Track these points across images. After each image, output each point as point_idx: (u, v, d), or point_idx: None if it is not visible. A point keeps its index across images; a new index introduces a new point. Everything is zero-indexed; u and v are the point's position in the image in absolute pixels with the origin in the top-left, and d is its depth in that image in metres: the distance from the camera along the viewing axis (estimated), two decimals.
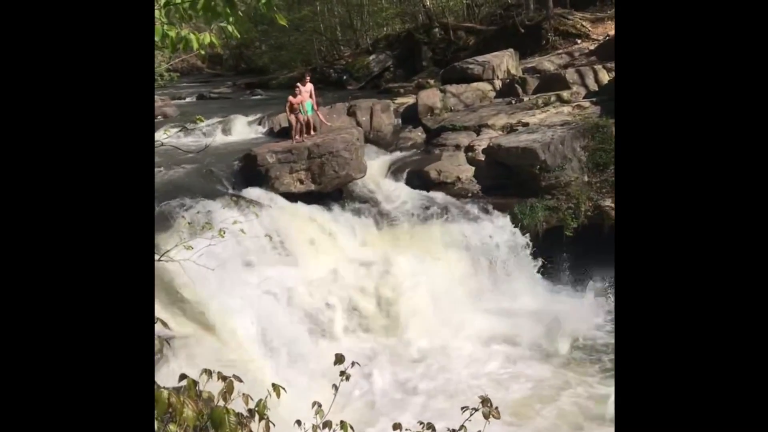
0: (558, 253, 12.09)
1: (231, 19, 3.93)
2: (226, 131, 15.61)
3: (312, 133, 13.00)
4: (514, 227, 12.05)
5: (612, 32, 19.23)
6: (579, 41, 20.45)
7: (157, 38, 3.50)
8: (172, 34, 3.86)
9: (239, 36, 4.55)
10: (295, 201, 11.69)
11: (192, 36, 3.84)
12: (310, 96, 13.08)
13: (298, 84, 13.27)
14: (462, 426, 3.20)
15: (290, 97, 12.76)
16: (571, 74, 16.54)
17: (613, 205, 11.77)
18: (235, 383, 2.81)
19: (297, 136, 12.64)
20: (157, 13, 3.95)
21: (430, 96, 16.61)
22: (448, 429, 3.17)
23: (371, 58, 26.59)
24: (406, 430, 3.26)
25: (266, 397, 2.77)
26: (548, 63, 19.11)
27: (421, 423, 3.25)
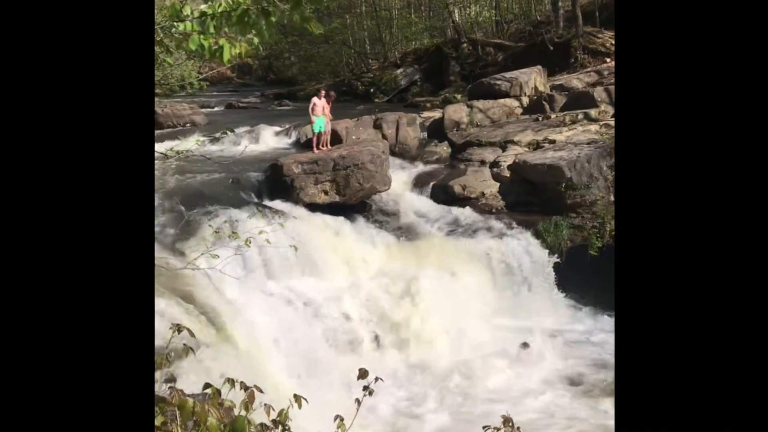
0: (581, 272, 11.96)
1: (264, 28, 3.96)
2: (253, 141, 15.74)
3: (329, 146, 13.07)
4: (538, 245, 11.95)
5: None
6: (608, 60, 20.32)
7: (193, 47, 3.55)
8: (206, 43, 3.92)
9: (261, 49, 4.60)
10: (320, 212, 11.73)
11: (227, 44, 3.89)
12: (323, 111, 13.04)
13: (314, 99, 13.24)
14: None
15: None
16: (599, 92, 16.43)
17: None
18: (256, 393, 2.82)
19: (316, 148, 12.75)
20: (190, 25, 4.01)
21: (457, 111, 16.61)
22: None
23: (399, 71, 26.72)
24: None
25: (288, 408, 2.77)
26: (576, 81, 19.00)
27: None
